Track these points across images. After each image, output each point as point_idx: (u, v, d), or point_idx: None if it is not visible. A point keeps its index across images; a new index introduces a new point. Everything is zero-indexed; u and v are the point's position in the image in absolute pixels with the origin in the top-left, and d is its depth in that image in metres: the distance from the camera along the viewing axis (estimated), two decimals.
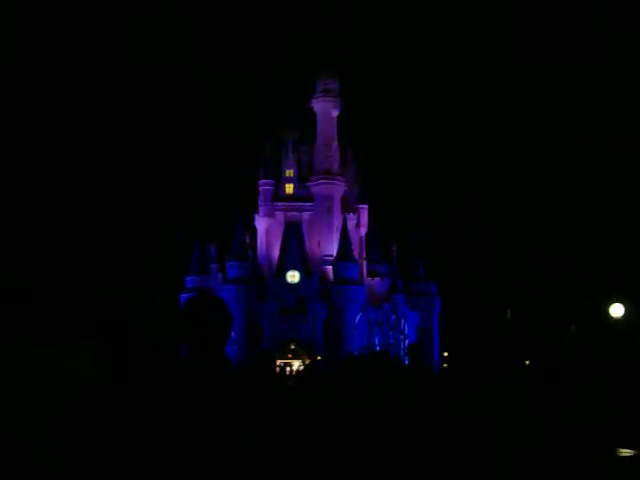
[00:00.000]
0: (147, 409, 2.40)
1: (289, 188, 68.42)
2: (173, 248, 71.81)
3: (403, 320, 63.47)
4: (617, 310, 18.31)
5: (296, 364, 58.05)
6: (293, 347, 61.75)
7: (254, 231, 68.25)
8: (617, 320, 18.20)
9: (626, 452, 4.87)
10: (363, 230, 69.07)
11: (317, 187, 67.17)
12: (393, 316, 63.31)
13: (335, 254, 64.39)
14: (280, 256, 65.22)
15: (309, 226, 67.38)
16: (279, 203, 67.53)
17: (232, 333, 2.75)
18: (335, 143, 68.32)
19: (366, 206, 69.56)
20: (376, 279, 67.00)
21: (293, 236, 65.20)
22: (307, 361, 57.24)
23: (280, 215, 67.33)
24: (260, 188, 67.85)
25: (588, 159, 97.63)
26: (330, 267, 64.16)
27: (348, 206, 68.28)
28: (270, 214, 67.25)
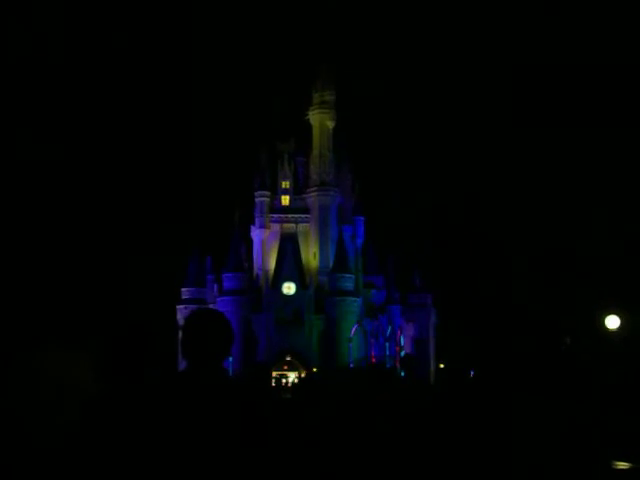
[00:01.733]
0: (144, 418, 2.41)
1: (285, 200, 68.50)
2: (168, 259, 71.71)
3: (399, 331, 63.38)
4: (612, 322, 18.34)
5: (292, 376, 57.87)
6: (289, 358, 61.60)
7: (250, 242, 68.25)
8: (613, 331, 18.22)
9: (623, 465, 4.87)
10: (359, 241, 69.13)
11: (313, 198, 67.27)
12: (389, 327, 63.23)
13: (331, 265, 64.39)
14: (276, 267, 65.19)
15: (305, 237, 67.42)
16: (275, 215, 67.59)
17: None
18: (331, 155, 68.51)
19: (362, 217, 69.66)
20: (372, 290, 66.98)
21: (289, 247, 65.21)
22: (303, 373, 57.07)
23: (276, 226, 67.39)
24: (256, 199, 67.91)
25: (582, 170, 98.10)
26: (326, 278, 64.13)
27: (344, 217, 68.37)
28: (266, 225, 67.27)
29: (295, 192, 68.58)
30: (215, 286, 65.56)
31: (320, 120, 68.28)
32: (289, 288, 63.42)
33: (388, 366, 51.04)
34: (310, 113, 68.89)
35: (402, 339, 62.59)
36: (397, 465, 3.68)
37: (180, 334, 2.62)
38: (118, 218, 79.03)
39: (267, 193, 67.65)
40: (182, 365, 2.71)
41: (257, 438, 2.46)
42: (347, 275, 63.39)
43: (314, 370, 56.86)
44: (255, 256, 67.67)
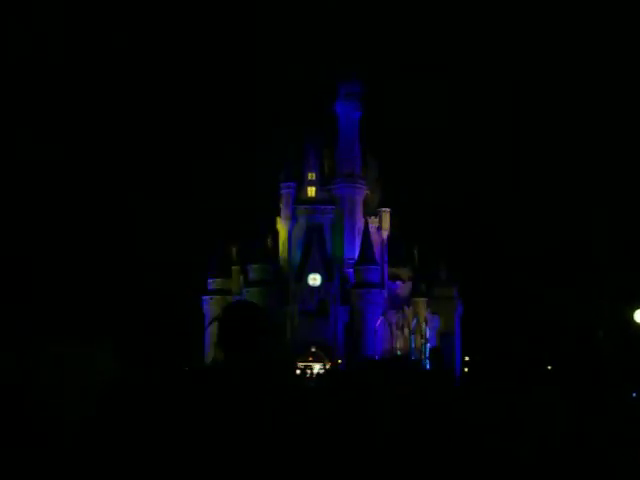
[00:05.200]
0: (162, 406, 2.41)
1: (311, 191, 68.48)
2: (195, 250, 72.24)
3: (424, 324, 63.13)
4: None
5: (317, 367, 58.03)
6: (314, 350, 61.74)
7: (276, 234, 68.42)
8: None
9: None
10: (385, 233, 68.85)
11: (339, 190, 67.15)
12: (415, 319, 63.01)
13: (357, 257, 64.30)
14: (302, 259, 65.29)
15: (331, 229, 67.37)
16: (301, 206, 67.63)
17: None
18: (357, 146, 68.27)
19: (388, 209, 69.34)
20: (397, 282, 66.74)
21: (315, 239, 65.25)
22: (328, 364, 57.21)
23: (302, 218, 67.43)
24: (282, 191, 68.02)
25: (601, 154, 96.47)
26: (352, 270, 64.08)
27: (370, 209, 68.16)
28: (292, 217, 67.38)
29: (321, 183, 68.50)
30: (241, 277, 65.91)
31: (346, 111, 68.05)
32: (315, 279, 63.51)
33: (413, 358, 50.88)
34: (336, 104, 68.69)
35: (428, 331, 62.34)
36: (409, 457, 3.66)
37: (215, 325, 2.65)
38: (142, 210, 79.78)
39: (293, 184, 67.71)
40: (207, 353, 2.72)
41: (281, 426, 2.46)
42: (373, 267, 63.25)
43: (339, 361, 56.95)
44: (281, 247, 67.86)
